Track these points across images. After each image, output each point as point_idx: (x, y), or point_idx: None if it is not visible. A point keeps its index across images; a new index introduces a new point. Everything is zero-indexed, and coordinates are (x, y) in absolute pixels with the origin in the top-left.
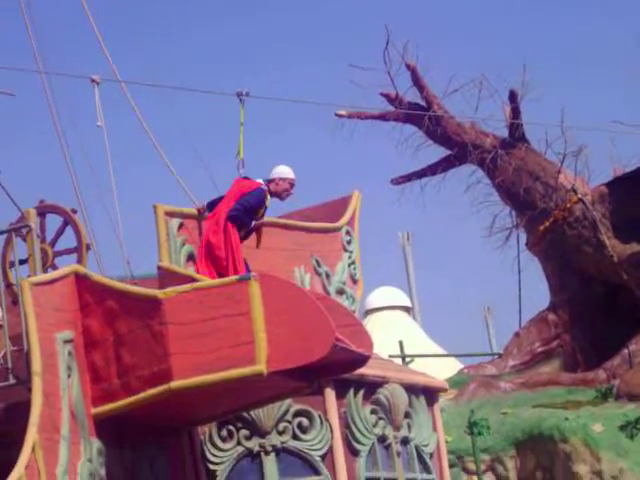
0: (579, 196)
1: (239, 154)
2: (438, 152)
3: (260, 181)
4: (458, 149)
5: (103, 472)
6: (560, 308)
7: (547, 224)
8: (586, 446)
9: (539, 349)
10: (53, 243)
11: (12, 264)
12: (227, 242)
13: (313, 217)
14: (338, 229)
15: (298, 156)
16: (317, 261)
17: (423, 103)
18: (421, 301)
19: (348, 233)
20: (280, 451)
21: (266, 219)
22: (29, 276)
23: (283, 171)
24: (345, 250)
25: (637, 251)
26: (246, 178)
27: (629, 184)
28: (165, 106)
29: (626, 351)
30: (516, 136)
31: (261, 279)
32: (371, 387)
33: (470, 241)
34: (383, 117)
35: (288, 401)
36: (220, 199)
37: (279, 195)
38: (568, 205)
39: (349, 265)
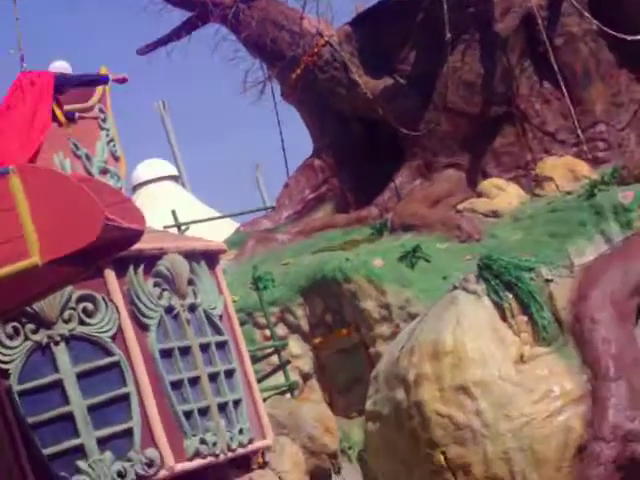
0: (325, 39)
1: (19, 49)
2: (183, 15)
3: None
4: (199, 9)
5: None
6: (323, 153)
7: (298, 72)
8: (370, 282)
9: (310, 196)
10: None
11: None
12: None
13: (63, 102)
14: (90, 109)
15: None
16: (75, 144)
17: None
18: (189, 169)
19: (101, 111)
20: (69, 339)
21: None
22: None
23: (62, 66)
24: (101, 129)
25: (389, 84)
26: (30, 71)
27: (372, 20)
28: None
29: (393, 185)
30: None
31: (20, 171)
32: (150, 260)
33: (228, 101)
34: None
35: (69, 288)
36: None
37: None
38: (316, 50)
39: (108, 143)
